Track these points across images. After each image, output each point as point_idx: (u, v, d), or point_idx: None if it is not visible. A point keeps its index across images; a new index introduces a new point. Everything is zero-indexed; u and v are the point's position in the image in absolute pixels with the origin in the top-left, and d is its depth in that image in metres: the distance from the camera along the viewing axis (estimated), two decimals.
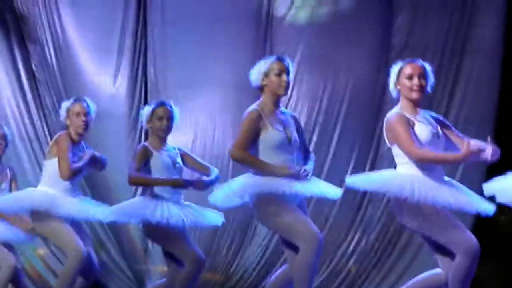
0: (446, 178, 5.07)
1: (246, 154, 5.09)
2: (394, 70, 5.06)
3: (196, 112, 8.41)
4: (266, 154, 5.14)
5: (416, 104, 5.05)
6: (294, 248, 5.06)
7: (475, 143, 4.80)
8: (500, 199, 4.98)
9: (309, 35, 8.47)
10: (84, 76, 8.43)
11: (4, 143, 6.50)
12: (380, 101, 8.10)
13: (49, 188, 5.77)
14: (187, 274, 5.79)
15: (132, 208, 5.89)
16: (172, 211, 5.71)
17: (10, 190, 6.52)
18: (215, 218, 5.96)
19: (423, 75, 5.06)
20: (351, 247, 8.45)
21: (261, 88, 5.24)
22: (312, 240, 4.95)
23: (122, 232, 8.31)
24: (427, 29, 8.29)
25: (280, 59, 5.26)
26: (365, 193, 8.37)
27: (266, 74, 5.16)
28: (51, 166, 5.73)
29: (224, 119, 8.40)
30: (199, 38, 8.35)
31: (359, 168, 8.06)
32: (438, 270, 5.12)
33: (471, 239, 4.92)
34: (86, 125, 5.86)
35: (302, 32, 8.43)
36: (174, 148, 5.84)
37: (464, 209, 5.02)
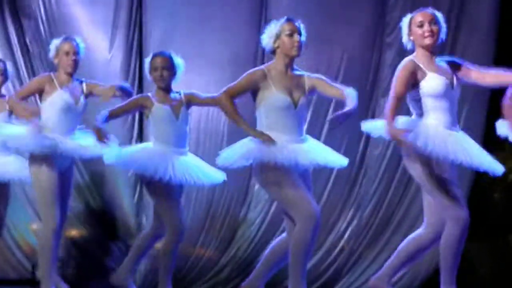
0: (458, 131, 5.04)
1: (229, 102, 5.07)
2: (405, 21, 5.05)
3: (190, 86, 8.28)
4: (269, 116, 5.10)
5: (432, 52, 5.03)
6: (293, 219, 5.07)
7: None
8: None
9: (304, 11, 8.33)
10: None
11: (3, 77, 6.66)
12: (374, 78, 8.11)
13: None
14: (169, 244, 5.84)
15: (138, 157, 5.85)
16: (176, 168, 5.73)
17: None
18: (217, 176, 5.96)
19: (434, 21, 5.04)
20: (345, 225, 8.44)
21: (273, 52, 5.19)
22: (310, 219, 4.96)
23: (116, 207, 8.31)
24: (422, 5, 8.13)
25: (290, 20, 5.22)
26: (360, 168, 8.37)
27: (277, 36, 5.14)
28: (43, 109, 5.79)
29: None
30: (195, 12, 8.31)
31: (353, 145, 8.10)
32: (419, 231, 5.15)
33: (465, 210, 4.97)
34: (76, 64, 5.88)
35: (298, 7, 8.34)
36: (179, 93, 6.01)
37: (473, 166, 5.04)
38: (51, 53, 5.98)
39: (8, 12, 8.32)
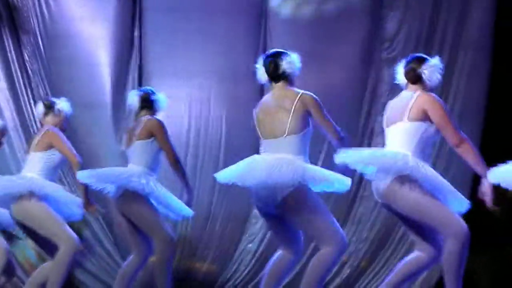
0: None
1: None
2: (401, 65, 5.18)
3: (190, 101, 8.46)
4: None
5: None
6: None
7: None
8: (503, 184, 5.06)
9: (301, 28, 8.45)
10: (76, 66, 8.39)
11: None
12: (372, 95, 8.21)
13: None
14: (164, 260, 5.84)
15: (115, 173, 5.93)
16: (157, 185, 5.83)
17: None
18: (184, 210, 6.03)
19: None
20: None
21: None
22: (340, 244, 5.08)
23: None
24: (419, 23, 8.37)
25: None
26: (358, 187, 8.42)
27: None
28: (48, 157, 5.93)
29: (219, 108, 8.41)
30: (195, 28, 8.34)
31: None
32: (416, 253, 5.14)
33: (463, 225, 4.99)
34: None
35: (296, 24, 8.42)
36: None
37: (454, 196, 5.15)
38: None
39: (6, 28, 8.34)
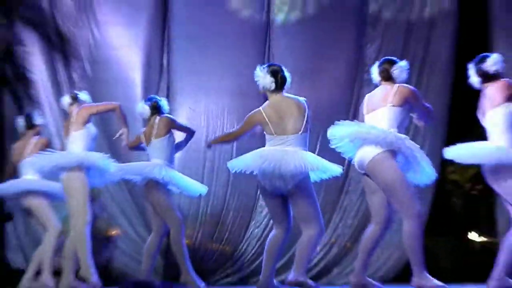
0: None
1: None
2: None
3: (207, 114, 8.94)
4: None
5: None
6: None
7: None
8: (458, 160, 5.35)
9: (299, 49, 8.87)
10: (115, 87, 8.77)
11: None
12: (355, 112, 7.98)
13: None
14: (177, 236, 6.30)
15: (140, 167, 6.40)
16: (174, 174, 6.39)
17: None
18: (200, 189, 6.61)
19: None
20: (334, 226, 8.85)
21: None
22: (321, 229, 5.43)
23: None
24: (393, 51, 8.50)
25: None
26: (343, 184, 8.84)
27: None
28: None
29: (231, 119, 8.89)
30: (212, 52, 8.80)
31: (340, 160, 7.89)
32: (371, 228, 5.31)
33: (419, 208, 5.17)
34: None
35: (295, 47, 8.80)
36: None
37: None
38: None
39: (58, 54, 8.81)
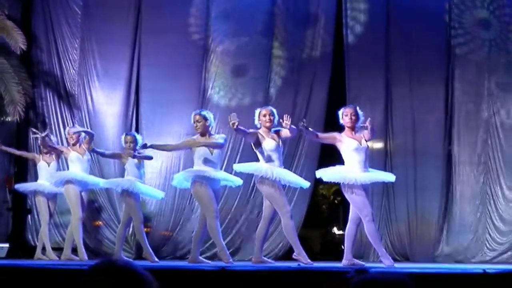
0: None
1: None
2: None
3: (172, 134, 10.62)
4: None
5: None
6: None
7: None
8: (325, 179, 6.64)
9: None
10: (107, 133, 10.76)
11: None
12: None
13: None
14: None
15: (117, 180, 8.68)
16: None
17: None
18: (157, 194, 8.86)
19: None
20: None
21: None
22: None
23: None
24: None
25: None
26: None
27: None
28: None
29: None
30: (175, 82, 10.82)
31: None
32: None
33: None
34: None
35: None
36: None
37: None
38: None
39: (65, 105, 10.95)
